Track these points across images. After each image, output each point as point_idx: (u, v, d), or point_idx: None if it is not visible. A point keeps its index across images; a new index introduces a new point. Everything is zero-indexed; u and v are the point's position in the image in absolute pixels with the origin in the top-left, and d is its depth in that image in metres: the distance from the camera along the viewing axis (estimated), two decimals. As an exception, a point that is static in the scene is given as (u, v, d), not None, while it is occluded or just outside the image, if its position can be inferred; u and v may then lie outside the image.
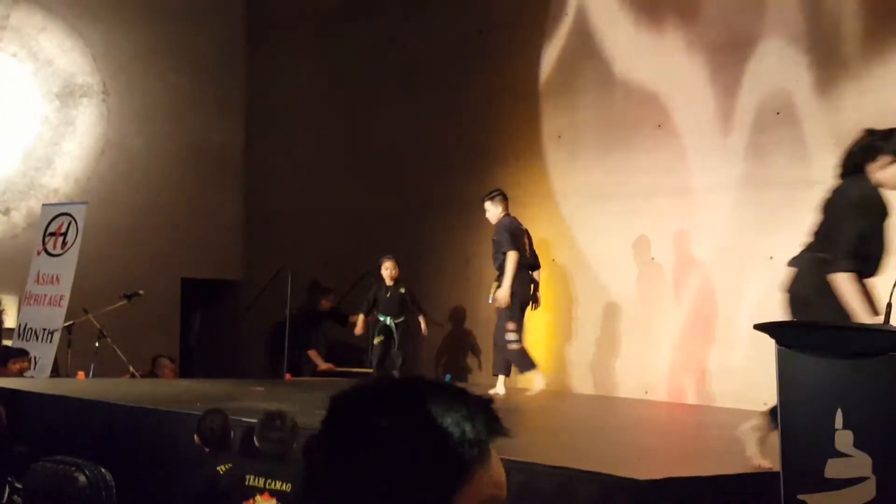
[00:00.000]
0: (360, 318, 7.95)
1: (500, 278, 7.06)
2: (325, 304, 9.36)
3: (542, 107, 8.45)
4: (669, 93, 7.54)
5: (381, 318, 7.91)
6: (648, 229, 7.55)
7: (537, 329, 8.00)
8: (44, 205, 9.69)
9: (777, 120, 6.98)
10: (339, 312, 9.25)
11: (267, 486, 4.28)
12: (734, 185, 7.16)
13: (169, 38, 10.63)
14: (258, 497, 4.26)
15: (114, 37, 10.48)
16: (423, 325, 7.90)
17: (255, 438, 4.52)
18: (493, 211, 7.23)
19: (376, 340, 7.80)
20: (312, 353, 9.18)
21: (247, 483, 4.28)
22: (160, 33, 10.61)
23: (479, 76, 8.88)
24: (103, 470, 2.40)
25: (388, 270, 7.95)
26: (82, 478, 2.35)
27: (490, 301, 7.13)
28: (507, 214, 7.23)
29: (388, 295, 7.96)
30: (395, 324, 7.87)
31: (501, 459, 1.01)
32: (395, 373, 7.54)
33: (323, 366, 9.06)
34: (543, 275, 7.62)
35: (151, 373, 8.94)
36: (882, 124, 6.73)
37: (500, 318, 7.06)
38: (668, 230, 7.45)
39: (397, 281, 8.02)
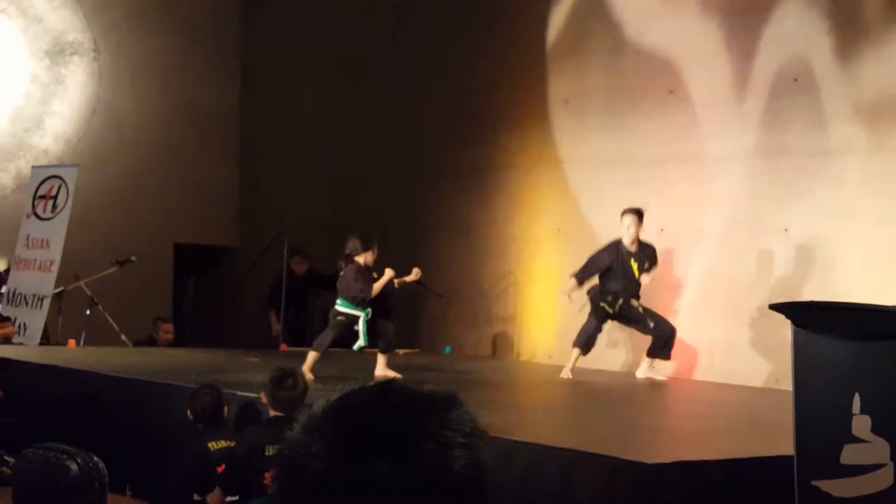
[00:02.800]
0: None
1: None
2: (298, 267, 8.80)
3: (548, 70, 8.19)
4: (682, 57, 7.30)
5: (609, 299, 5.85)
6: (658, 199, 7.33)
7: (545, 301, 7.80)
8: (34, 167, 9.44)
9: (795, 87, 6.75)
10: (323, 276, 8.05)
11: None
12: (748, 153, 6.94)
13: (162, -4, 10.31)
14: None
15: (105, -7, 10.16)
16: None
17: (264, 396, 4.52)
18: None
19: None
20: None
21: (266, 454, 4.24)
22: (153, -10, 10.28)
23: (482, 38, 8.60)
24: (95, 458, 2.28)
25: (629, 227, 5.92)
26: (74, 466, 2.25)
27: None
28: None
29: (636, 254, 5.81)
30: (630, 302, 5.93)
31: (503, 439, 1.07)
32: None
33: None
34: (548, 245, 7.37)
35: (149, 336, 8.75)
36: (904, 92, 6.54)
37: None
38: (679, 200, 7.24)
39: (642, 245, 6.05)
